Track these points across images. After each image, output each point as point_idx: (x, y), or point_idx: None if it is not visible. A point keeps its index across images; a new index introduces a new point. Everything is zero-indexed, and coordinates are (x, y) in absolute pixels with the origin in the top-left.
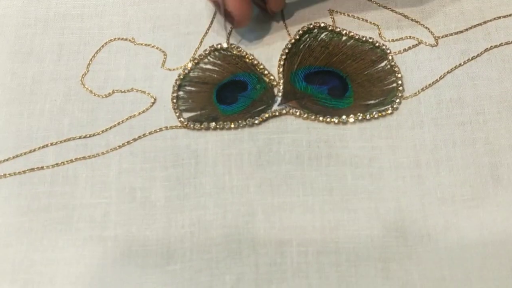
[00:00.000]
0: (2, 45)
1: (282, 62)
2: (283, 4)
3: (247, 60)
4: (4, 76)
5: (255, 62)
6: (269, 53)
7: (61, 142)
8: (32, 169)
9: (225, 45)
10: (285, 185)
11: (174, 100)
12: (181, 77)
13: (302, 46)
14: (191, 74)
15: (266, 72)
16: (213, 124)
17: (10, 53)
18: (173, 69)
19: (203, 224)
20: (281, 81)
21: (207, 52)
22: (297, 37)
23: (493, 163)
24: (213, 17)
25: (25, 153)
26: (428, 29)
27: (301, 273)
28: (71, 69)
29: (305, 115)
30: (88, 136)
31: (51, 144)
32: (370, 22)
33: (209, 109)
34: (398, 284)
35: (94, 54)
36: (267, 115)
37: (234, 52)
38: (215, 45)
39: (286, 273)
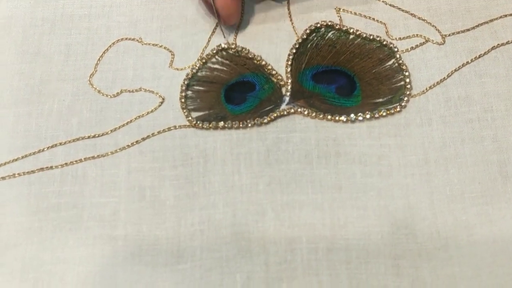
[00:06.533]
0: (9, 45)
1: (289, 62)
2: None
3: (256, 61)
4: (12, 77)
5: (263, 63)
6: (277, 53)
7: (70, 142)
8: (41, 169)
9: (225, 46)
10: (294, 183)
11: (183, 100)
12: (189, 76)
13: (309, 45)
14: (199, 73)
15: (274, 72)
16: (221, 123)
17: (17, 53)
18: (181, 69)
19: (213, 222)
20: (289, 80)
21: (214, 51)
22: (304, 36)
23: (502, 160)
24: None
25: (34, 153)
26: (435, 27)
27: (311, 270)
28: (79, 69)
29: (313, 114)
30: (97, 135)
31: (60, 144)
32: (377, 21)
33: (217, 109)
34: (408, 281)
35: (102, 54)
36: (275, 115)
37: (242, 54)
38: (222, 44)
39: (296, 271)
